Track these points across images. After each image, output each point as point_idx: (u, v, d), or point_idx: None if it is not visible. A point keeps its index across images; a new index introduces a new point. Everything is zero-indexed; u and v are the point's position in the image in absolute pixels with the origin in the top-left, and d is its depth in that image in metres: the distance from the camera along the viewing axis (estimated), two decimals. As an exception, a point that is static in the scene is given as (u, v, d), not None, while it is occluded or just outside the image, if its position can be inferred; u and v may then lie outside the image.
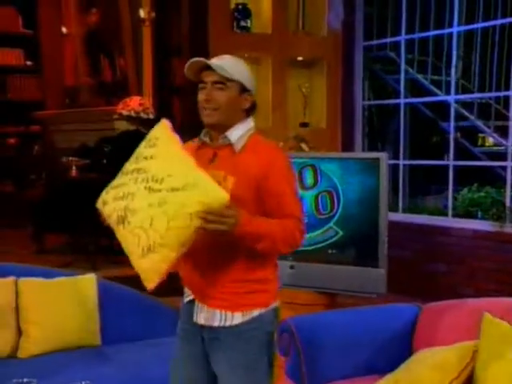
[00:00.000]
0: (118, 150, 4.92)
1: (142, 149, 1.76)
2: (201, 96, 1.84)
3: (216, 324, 1.85)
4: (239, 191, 1.75)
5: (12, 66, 7.25)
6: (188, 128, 5.95)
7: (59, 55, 7.34)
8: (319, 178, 3.15)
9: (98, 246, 4.65)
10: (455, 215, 4.35)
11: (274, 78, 4.79)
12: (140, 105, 5.97)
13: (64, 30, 7.26)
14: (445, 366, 2.04)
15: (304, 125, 5.00)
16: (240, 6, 4.84)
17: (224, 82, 1.82)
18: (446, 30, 4.46)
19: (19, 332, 2.68)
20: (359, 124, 4.94)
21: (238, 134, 1.85)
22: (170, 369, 2.01)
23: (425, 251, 4.32)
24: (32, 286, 2.75)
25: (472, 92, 4.60)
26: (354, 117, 4.96)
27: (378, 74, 5.12)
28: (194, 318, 1.89)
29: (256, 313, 1.84)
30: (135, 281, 3.34)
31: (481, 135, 5.45)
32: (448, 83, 4.54)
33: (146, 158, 1.72)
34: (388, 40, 4.83)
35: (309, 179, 3.18)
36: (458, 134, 4.49)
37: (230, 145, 1.85)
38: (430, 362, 2.09)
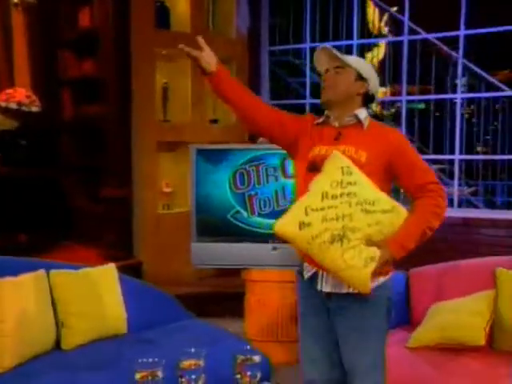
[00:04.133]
0: (36, 144, 4.66)
1: (341, 176, 1.96)
2: (324, 78, 2.12)
3: (344, 291, 2.03)
4: (371, 163, 2.01)
5: None
6: (82, 121, 5.75)
7: None
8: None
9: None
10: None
11: (194, 75, 4.98)
12: (27, 97, 5.64)
13: None
14: (481, 312, 2.60)
15: (214, 121, 5.27)
16: (158, 4, 4.94)
17: (343, 66, 2.10)
18: (345, 42, 5.15)
19: (56, 324, 2.61)
20: (266, 122, 5.36)
21: (364, 114, 2.12)
22: (301, 343, 2.18)
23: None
24: (63, 278, 2.68)
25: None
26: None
27: (281, 77, 5.62)
28: (319, 287, 2.06)
29: (382, 280, 2.04)
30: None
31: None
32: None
33: (350, 183, 1.95)
34: (291, 47, 5.35)
35: (291, 168, 3.53)
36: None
37: (358, 123, 2.09)
38: (468, 308, 2.62)
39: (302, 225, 1.94)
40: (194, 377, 1.85)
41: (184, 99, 4.98)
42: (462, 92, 5.02)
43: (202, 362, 1.89)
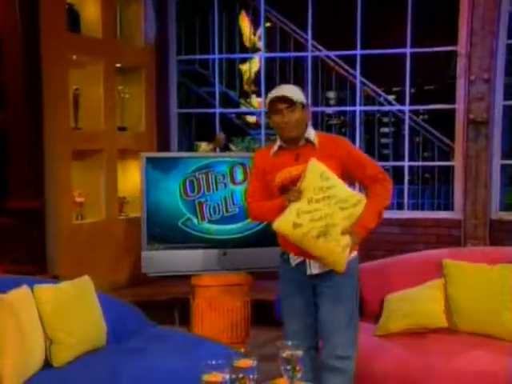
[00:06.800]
0: None
1: (320, 182, 2.41)
2: (279, 118, 2.50)
3: (328, 269, 2.50)
4: (332, 172, 2.46)
5: None
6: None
7: None
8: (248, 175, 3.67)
9: None
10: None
11: (105, 82, 4.86)
12: None
13: None
14: (436, 298, 2.98)
15: (122, 129, 5.18)
16: (67, 7, 4.74)
17: (292, 105, 2.48)
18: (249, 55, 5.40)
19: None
20: (175, 129, 5.41)
21: (312, 134, 2.56)
22: (285, 321, 2.59)
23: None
24: (47, 293, 2.57)
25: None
26: (169, 122, 5.40)
27: (188, 86, 5.69)
28: (308, 272, 2.54)
29: (352, 256, 2.55)
30: None
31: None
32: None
33: (329, 187, 2.41)
34: (200, 57, 5.46)
35: (239, 175, 3.67)
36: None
37: (310, 144, 2.53)
38: (424, 296, 2.98)
39: (295, 225, 2.39)
40: (250, 376, 1.94)
41: (95, 106, 4.84)
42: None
43: (254, 362, 1.98)
